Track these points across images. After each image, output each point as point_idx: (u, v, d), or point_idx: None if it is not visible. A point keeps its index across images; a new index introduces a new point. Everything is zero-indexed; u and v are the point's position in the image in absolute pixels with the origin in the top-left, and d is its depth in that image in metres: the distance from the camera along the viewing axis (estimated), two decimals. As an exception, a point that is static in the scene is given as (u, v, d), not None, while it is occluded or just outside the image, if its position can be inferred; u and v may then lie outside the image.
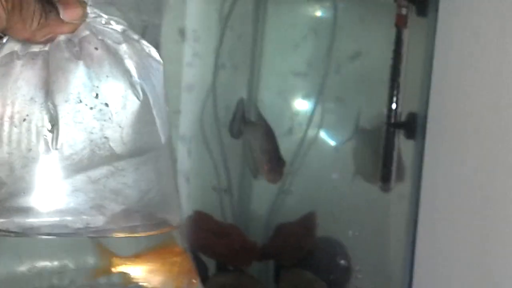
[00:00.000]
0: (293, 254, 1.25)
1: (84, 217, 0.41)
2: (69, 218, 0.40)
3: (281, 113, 1.34)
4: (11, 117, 0.39)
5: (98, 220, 0.41)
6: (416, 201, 0.98)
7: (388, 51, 1.06)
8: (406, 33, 1.03)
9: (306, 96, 1.34)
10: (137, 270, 0.45)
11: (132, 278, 0.45)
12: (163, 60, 0.44)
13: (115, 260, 0.45)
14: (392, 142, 1.07)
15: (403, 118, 1.05)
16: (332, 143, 1.31)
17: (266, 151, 1.19)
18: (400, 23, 1.03)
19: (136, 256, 0.46)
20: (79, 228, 0.41)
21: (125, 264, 0.44)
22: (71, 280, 0.45)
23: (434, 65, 0.95)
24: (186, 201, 1.25)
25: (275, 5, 1.34)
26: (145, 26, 0.44)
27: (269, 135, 1.21)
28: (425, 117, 0.96)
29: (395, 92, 1.05)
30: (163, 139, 0.44)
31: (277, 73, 1.35)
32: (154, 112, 0.43)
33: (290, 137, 1.32)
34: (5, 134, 0.39)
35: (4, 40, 0.41)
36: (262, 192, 1.34)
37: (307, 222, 1.27)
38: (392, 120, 1.06)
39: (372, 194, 1.18)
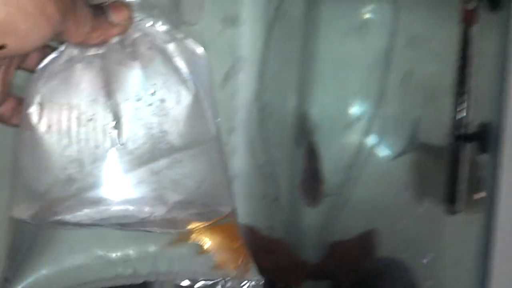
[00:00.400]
0: (350, 275, 1.16)
1: (148, 207, 0.44)
2: (135, 208, 0.43)
3: (334, 123, 1.24)
4: (78, 118, 0.42)
5: (161, 210, 0.44)
6: (490, 226, 0.86)
7: (452, 52, 0.96)
8: (474, 31, 0.93)
9: (361, 105, 1.23)
10: (209, 243, 0.47)
11: (204, 250, 0.47)
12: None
13: (193, 231, 0.47)
14: (459, 157, 0.95)
15: (473, 129, 0.94)
16: (391, 156, 1.19)
17: (303, 171, 1.13)
18: (468, 19, 0.92)
19: (211, 230, 0.49)
20: (143, 218, 0.44)
21: (201, 235, 0.47)
22: (134, 269, 0.48)
23: (509, 67, 0.84)
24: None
25: (328, 8, 1.24)
26: (186, 26, 0.46)
27: (311, 154, 1.14)
28: (499, 127, 0.84)
29: (462, 99, 0.94)
30: (214, 130, 0.47)
31: (331, 82, 1.25)
32: (205, 105, 0.45)
33: (344, 149, 1.22)
34: (74, 133, 0.42)
35: (63, 48, 0.44)
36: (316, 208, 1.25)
37: (365, 241, 1.17)
38: (460, 132, 0.95)
39: (436, 215, 1.07)
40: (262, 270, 1.20)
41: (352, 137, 1.21)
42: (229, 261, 0.51)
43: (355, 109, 1.21)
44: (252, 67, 1.19)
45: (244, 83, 1.19)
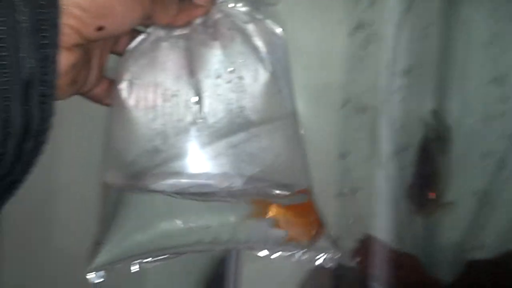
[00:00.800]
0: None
1: (226, 178, 0.46)
2: (214, 179, 0.46)
3: (473, 130, 1.06)
4: (163, 94, 0.45)
5: (238, 181, 0.47)
6: None
7: None
8: None
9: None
10: (283, 218, 0.50)
11: (279, 225, 0.50)
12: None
13: (270, 206, 0.50)
14: None
15: None
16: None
17: (413, 174, 1.00)
18: None
19: (286, 207, 0.51)
20: (222, 188, 0.47)
21: (277, 211, 0.49)
22: (215, 236, 0.51)
23: None
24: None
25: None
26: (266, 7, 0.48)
27: (424, 155, 1.01)
28: None
29: None
30: (289, 108, 0.49)
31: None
32: (282, 84, 0.47)
33: (486, 159, 1.06)
34: (159, 108, 0.45)
35: (150, 30, 0.48)
36: (451, 222, 1.10)
37: (507, 261, 1.05)
38: None
39: None
40: (389, 286, 1.00)
41: (493, 148, 1.03)
42: (304, 234, 0.53)
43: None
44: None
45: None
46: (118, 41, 0.49)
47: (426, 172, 0.98)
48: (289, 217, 0.51)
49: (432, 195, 0.98)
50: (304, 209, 0.51)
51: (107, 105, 0.49)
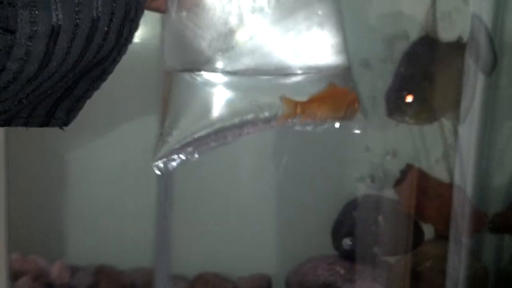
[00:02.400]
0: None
1: (293, 52, 0.52)
2: (284, 54, 0.52)
3: None
4: None
5: (303, 55, 0.53)
6: None
7: None
8: None
9: None
10: (312, 110, 0.56)
11: (308, 117, 0.56)
12: None
13: (298, 105, 0.56)
14: None
15: None
16: None
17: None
18: None
19: (311, 99, 0.57)
20: (290, 62, 0.52)
21: (305, 106, 0.55)
22: (276, 113, 0.56)
23: None
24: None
25: None
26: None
27: (410, 56, 0.93)
28: None
29: None
30: None
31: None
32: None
33: None
34: None
35: None
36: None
37: None
38: None
39: None
40: (428, 218, 1.02)
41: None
42: (336, 114, 0.59)
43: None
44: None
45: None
46: None
47: (406, 75, 0.94)
48: (314, 109, 0.57)
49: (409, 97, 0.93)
50: (335, 93, 0.58)
51: (157, 10, 0.52)
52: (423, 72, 0.92)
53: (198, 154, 0.58)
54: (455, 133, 0.99)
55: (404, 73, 0.91)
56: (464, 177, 0.97)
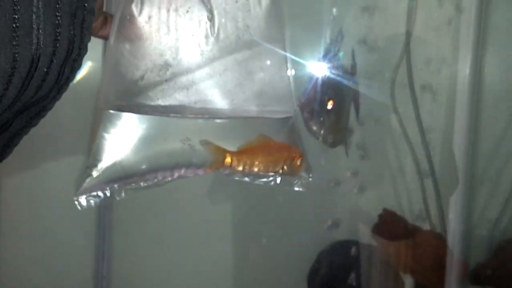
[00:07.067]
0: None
1: (230, 94, 0.50)
2: (218, 94, 0.50)
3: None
4: (176, 10, 0.48)
5: (240, 98, 0.51)
6: None
7: None
8: None
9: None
10: (243, 161, 0.54)
11: (239, 168, 0.54)
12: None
13: (227, 155, 0.54)
14: None
15: None
16: None
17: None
18: None
19: (242, 149, 0.55)
20: (225, 103, 0.50)
21: (235, 157, 0.53)
22: (204, 160, 0.54)
23: None
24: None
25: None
26: None
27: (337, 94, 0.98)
28: None
29: None
30: (283, 33, 0.53)
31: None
32: (279, 10, 0.52)
33: None
34: (172, 23, 0.48)
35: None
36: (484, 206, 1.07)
37: None
38: None
39: None
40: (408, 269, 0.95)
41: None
42: (274, 167, 0.57)
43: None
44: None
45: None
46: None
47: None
48: (245, 160, 0.55)
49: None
50: (268, 147, 0.55)
51: (101, 37, 0.51)
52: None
53: (126, 193, 0.55)
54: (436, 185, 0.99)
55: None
56: (445, 226, 0.97)
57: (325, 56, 0.97)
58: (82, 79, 0.86)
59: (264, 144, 0.56)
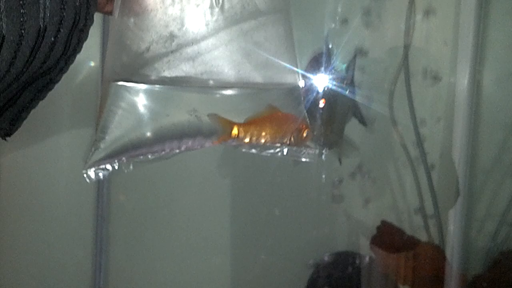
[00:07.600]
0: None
1: (236, 64, 0.50)
2: (224, 65, 0.50)
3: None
4: None
5: (246, 68, 0.50)
6: None
7: None
8: None
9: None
10: (250, 132, 0.54)
11: (246, 139, 0.54)
12: None
13: (235, 126, 0.54)
14: None
15: None
16: None
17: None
18: None
19: (249, 121, 0.55)
20: (231, 74, 0.50)
21: (242, 128, 0.53)
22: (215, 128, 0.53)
23: None
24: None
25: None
26: None
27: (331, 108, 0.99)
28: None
29: None
30: (288, 3, 0.53)
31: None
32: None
33: None
34: None
35: None
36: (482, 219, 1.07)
37: None
38: None
39: None
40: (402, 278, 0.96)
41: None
42: (283, 134, 0.57)
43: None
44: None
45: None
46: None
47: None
48: (252, 132, 0.55)
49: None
50: (275, 117, 0.56)
51: (106, 13, 0.51)
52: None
53: (134, 165, 0.54)
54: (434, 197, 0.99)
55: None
56: (444, 238, 0.96)
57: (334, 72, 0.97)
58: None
59: (271, 116, 0.56)
